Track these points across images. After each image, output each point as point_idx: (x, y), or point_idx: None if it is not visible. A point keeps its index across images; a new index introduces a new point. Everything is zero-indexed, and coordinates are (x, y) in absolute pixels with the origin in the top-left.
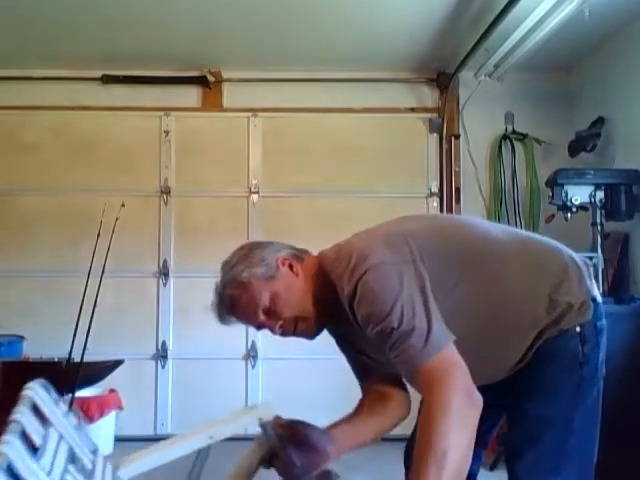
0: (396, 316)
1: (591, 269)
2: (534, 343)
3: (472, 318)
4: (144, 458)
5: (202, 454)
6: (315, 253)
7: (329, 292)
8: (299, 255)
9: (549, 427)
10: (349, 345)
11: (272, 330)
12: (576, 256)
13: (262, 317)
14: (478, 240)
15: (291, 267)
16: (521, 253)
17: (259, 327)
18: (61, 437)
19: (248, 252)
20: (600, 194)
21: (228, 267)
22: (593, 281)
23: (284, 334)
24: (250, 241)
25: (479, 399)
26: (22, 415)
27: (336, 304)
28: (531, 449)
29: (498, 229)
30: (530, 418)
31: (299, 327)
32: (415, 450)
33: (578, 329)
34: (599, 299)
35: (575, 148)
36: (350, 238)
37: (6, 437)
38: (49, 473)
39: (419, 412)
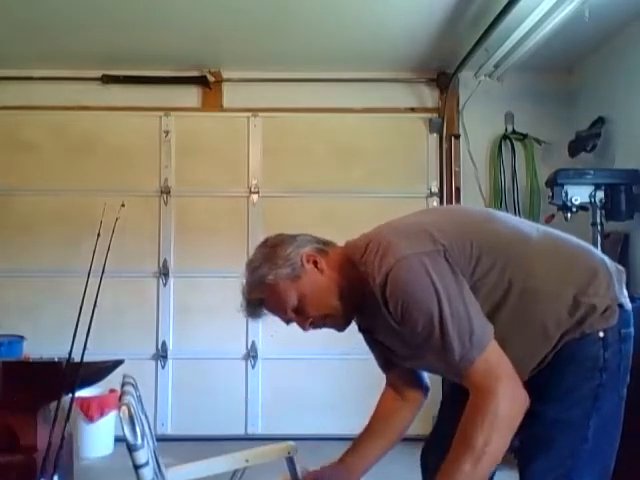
0: (434, 309)
1: (623, 275)
2: (557, 345)
3: (499, 316)
4: (189, 467)
5: (237, 473)
6: (341, 243)
7: (357, 284)
8: (324, 249)
9: (563, 431)
10: (372, 336)
11: (302, 327)
12: (608, 260)
13: (292, 315)
14: (509, 235)
15: (315, 264)
16: (551, 252)
17: (288, 322)
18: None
19: (272, 250)
20: (600, 194)
21: (252, 268)
22: (624, 288)
23: (315, 328)
24: (274, 236)
25: (524, 397)
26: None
27: (364, 295)
28: (543, 453)
29: (529, 226)
30: (544, 421)
31: (328, 322)
32: (455, 442)
33: (601, 334)
34: (628, 306)
35: (575, 148)
36: (379, 227)
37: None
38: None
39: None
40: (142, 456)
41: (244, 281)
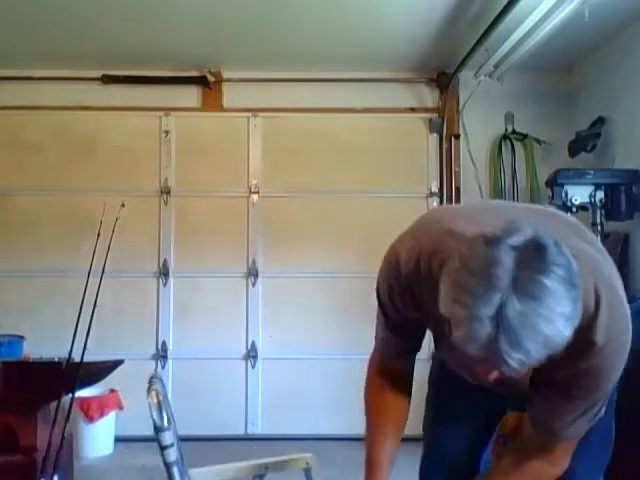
0: (607, 391)
1: None
2: None
3: None
4: (211, 470)
5: (256, 478)
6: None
7: None
8: None
9: (593, 434)
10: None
11: (485, 378)
12: None
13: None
14: None
15: None
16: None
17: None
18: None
19: (576, 292)
20: (600, 194)
21: (559, 314)
22: None
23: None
24: (559, 250)
25: None
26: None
27: None
28: (579, 456)
29: None
30: None
31: None
32: None
33: None
34: None
35: (575, 148)
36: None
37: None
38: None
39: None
40: (168, 438)
41: (511, 294)
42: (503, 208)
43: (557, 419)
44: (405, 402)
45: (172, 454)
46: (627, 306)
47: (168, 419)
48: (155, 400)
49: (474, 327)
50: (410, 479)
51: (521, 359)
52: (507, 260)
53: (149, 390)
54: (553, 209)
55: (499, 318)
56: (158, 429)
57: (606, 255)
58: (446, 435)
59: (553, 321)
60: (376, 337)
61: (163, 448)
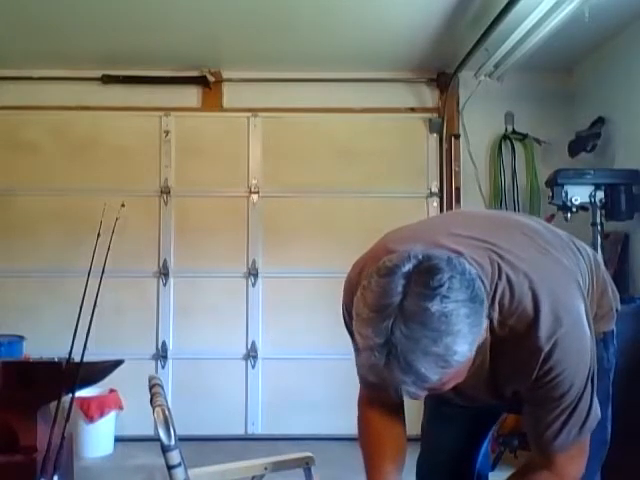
0: (580, 390)
1: None
2: None
3: None
4: (208, 470)
5: (256, 478)
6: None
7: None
8: None
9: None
10: None
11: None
12: None
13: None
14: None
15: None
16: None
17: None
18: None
19: (474, 309)
20: (600, 194)
21: (445, 330)
22: None
23: None
24: (446, 268)
25: None
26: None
27: None
28: None
29: None
30: None
31: None
32: None
33: (602, 335)
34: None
35: (575, 148)
36: (498, 253)
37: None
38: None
39: None
40: (176, 457)
41: (422, 342)
42: (452, 222)
43: (544, 431)
44: (400, 428)
45: (180, 475)
46: (580, 310)
47: (175, 433)
48: (161, 416)
49: (368, 355)
50: (409, 478)
51: (415, 381)
52: (397, 289)
53: (153, 404)
54: (518, 216)
55: (389, 345)
56: (165, 449)
57: (571, 262)
58: (442, 435)
59: (441, 339)
60: (357, 370)
61: (170, 467)
